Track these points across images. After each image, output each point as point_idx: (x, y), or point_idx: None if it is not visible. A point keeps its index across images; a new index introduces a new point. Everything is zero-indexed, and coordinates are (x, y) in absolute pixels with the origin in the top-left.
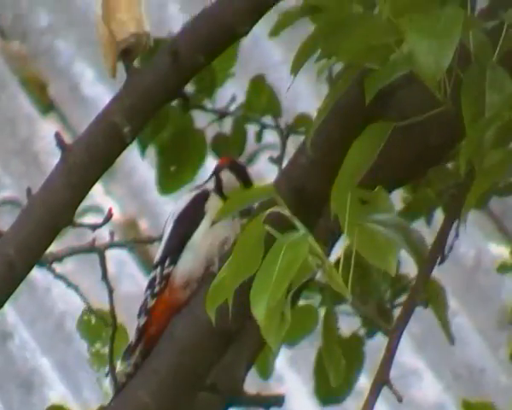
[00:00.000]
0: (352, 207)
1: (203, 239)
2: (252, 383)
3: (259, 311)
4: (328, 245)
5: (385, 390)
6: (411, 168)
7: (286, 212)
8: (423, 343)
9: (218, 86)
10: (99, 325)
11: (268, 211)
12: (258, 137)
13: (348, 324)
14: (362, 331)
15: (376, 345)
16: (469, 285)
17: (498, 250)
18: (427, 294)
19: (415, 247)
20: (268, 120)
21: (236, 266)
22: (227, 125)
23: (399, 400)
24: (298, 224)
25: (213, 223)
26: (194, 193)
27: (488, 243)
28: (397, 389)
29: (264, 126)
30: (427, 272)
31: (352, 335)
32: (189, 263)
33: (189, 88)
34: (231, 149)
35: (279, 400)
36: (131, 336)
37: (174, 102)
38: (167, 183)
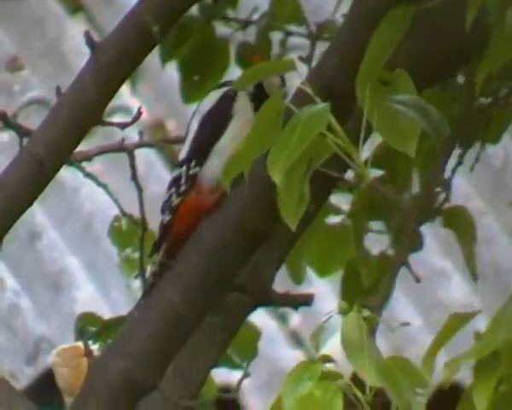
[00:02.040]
0: (372, 89)
1: (231, 144)
2: (280, 284)
3: (276, 173)
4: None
5: (415, 292)
6: (441, 67)
7: (307, 89)
8: (450, 245)
9: None
10: (130, 230)
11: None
12: (283, 45)
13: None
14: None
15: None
16: (497, 186)
17: None
18: (455, 221)
19: (435, 126)
20: (293, 28)
21: (255, 139)
22: (251, 36)
23: (417, 281)
24: (318, 100)
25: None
26: (222, 91)
27: None
28: (425, 289)
29: (288, 34)
30: (447, 155)
31: (381, 253)
32: (216, 169)
33: None
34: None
35: (308, 299)
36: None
37: (196, 12)
38: (191, 92)
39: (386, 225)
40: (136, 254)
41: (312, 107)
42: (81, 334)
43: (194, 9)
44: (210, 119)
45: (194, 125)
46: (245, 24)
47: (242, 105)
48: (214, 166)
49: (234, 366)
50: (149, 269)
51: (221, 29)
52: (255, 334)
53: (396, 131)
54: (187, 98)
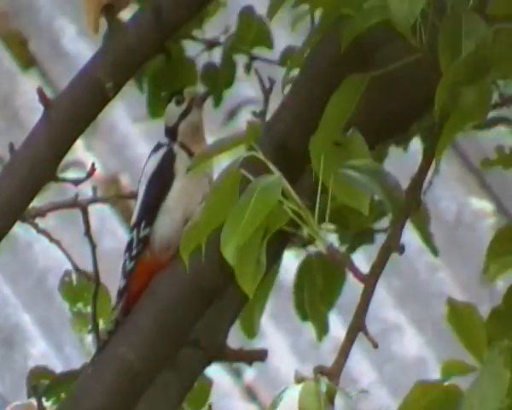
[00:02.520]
0: (327, 154)
1: (177, 201)
2: (233, 339)
3: (228, 251)
4: (312, 201)
5: (367, 346)
6: (395, 123)
7: (261, 155)
8: (404, 298)
9: (210, 16)
10: (81, 284)
11: (244, 155)
12: (248, 68)
13: None
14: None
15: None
16: (451, 241)
17: (480, 205)
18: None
19: (390, 192)
20: (257, 51)
21: (210, 211)
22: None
23: (375, 346)
24: (273, 168)
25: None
26: (162, 151)
27: (469, 198)
28: (379, 343)
29: (253, 58)
30: (403, 218)
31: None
32: (166, 227)
33: None
34: (220, 80)
35: (262, 355)
36: (113, 293)
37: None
38: (157, 107)
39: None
40: (88, 309)
41: (266, 177)
42: (34, 390)
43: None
44: (154, 181)
45: (142, 189)
46: (210, 44)
47: (182, 163)
48: (163, 225)
49: None
50: (101, 325)
51: (190, 48)
52: (207, 385)
53: (350, 194)
54: (153, 113)
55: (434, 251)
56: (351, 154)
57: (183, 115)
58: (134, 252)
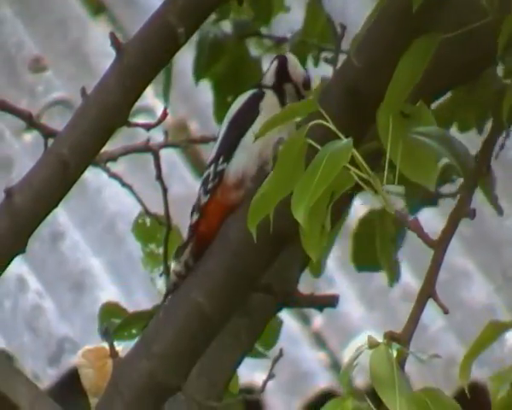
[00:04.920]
0: (394, 123)
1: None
2: (304, 285)
3: (300, 213)
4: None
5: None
6: (463, 72)
7: (330, 125)
8: (473, 245)
9: (275, 13)
10: (154, 227)
11: (311, 123)
12: (316, 61)
13: None
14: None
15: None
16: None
17: None
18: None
19: (459, 157)
20: (325, 45)
21: (278, 180)
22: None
23: (445, 312)
24: (342, 136)
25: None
26: (249, 93)
27: None
28: (447, 290)
29: (321, 50)
30: (473, 183)
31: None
32: (242, 161)
33: (246, 16)
34: None
35: (333, 301)
36: (184, 236)
37: (229, 31)
38: (224, 112)
39: None
40: (160, 250)
41: (335, 143)
42: (106, 333)
43: (227, 27)
44: (238, 118)
45: (224, 127)
46: (278, 41)
47: (269, 102)
48: (240, 159)
49: (257, 355)
50: (173, 267)
51: (254, 48)
52: (277, 324)
53: (417, 165)
54: (220, 119)
55: (500, 211)
56: (418, 124)
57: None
58: (210, 185)
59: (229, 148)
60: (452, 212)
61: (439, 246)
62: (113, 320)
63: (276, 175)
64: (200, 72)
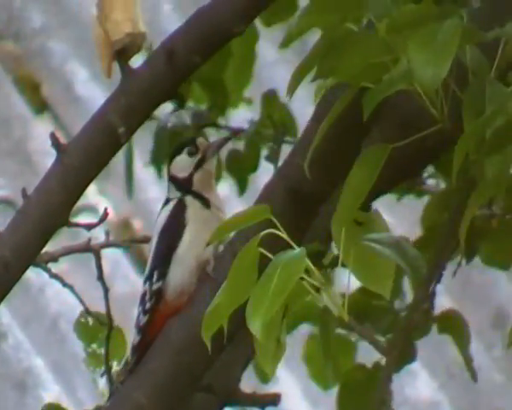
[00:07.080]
0: (348, 231)
1: (188, 251)
2: (246, 383)
3: (256, 326)
4: (326, 244)
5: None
6: (406, 169)
7: (283, 235)
8: (417, 342)
9: (232, 106)
10: (96, 326)
11: (262, 233)
12: (272, 152)
13: None
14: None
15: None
16: (465, 284)
17: None
18: (449, 327)
19: (411, 264)
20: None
21: (231, 291)
22: (241, 143)
23: None
24: (294, 245)
25: (196, 233)
26: (171, 204)
27: None
28: (392, 388)
29: (280, 143)
30: (425, 290)
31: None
32: (179, 277)
33: (203, 106)
34: (245, 166)
35: (275, 399)
36: (127, 336)
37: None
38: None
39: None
40: (102, 350)
41: (287, 254)
42: None
43: (186, 116)
44: (165, 232)
45: (153, 242)
46: (235, 132)
47: (194, 211)
48: (176, 274)
49: None
50: (115, 367)
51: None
52: None
53: (371, 272)
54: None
55: (473, 376)
56: (371, 229)
57: (199, 165)
58: (147, 306)
59: (161, 263)
60: (404, 316)
61: (390, 353)
62: None
63: (230, 286)
64: (159, 162)
